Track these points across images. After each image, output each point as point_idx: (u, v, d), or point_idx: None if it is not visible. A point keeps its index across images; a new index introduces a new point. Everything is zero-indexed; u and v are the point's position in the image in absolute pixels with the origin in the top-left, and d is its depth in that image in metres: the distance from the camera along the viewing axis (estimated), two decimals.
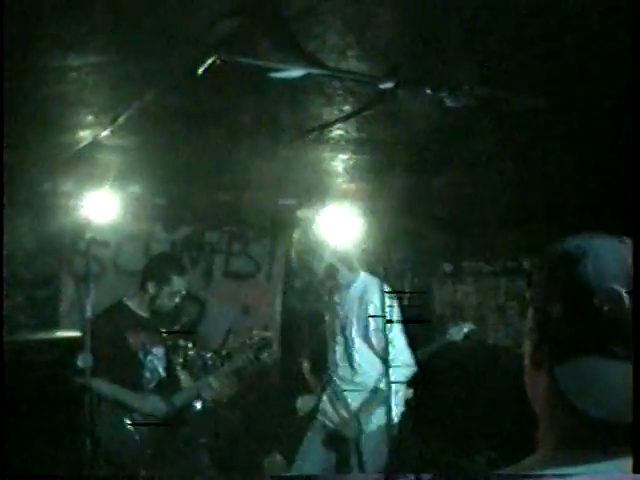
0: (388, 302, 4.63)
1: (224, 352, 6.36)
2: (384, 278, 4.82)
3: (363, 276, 4.95)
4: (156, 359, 4.53)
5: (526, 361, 1.31)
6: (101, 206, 5.53)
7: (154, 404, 4.34)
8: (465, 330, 5.90)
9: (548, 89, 3.23)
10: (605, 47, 2.65)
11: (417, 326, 5.95)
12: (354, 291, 4.90)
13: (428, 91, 3.08)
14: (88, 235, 5.85)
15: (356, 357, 4.82)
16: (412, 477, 2.20)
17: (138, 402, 4.32)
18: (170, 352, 4.64)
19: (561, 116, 3.63)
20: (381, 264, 5.36)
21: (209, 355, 6.13)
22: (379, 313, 4.59)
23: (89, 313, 4.40)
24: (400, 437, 5.21)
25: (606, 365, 1.13)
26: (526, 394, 1.36)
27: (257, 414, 6.52)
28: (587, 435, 1.17)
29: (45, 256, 6.84)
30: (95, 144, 4.33)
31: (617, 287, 1.15)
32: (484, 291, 7.59)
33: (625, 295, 1.13)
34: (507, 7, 2.37)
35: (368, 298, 4.72)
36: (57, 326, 6.68)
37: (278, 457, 6.49)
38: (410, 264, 7.51)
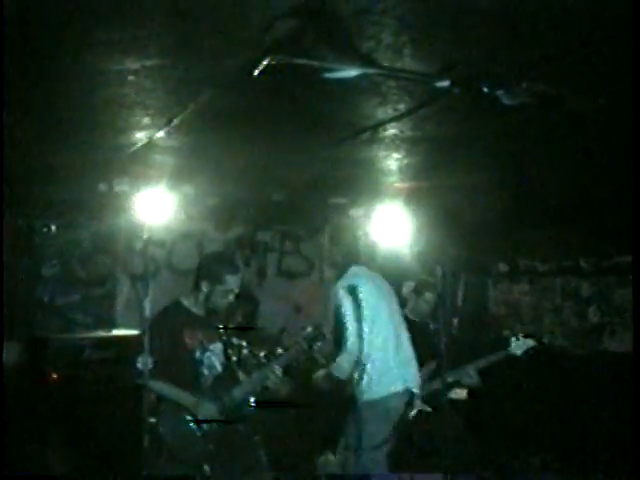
0: None
1: (278, 351, 6.38)
2: (441, 277, 4.84)
3: None
4: (213, 355, 4.57)
5: None
6: (156, 206, 5.60)
7: (207, 410, 4.39)
8: (527, 345, 5.88)
9: (604, 88, 3.17)
10: None
11: (479, 335, 5.94)
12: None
13: (484, 89, 3.05)
14: (144, 235, 5.93)
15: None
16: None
17: (192, 406, 4.37)
18: (227, 348, 4.67)
19: (618, 115, 3.57)
20: (436, 263, 5.33)
21: (262, 354, 6.15)
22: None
23: (147, 312, 4.45)
24: (458, 437, 5.22)
25: None
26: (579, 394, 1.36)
27: (309, 412, 6.51)
28: None
29: (101, 255, 6.95)
30: (150, 145, 4.38)
31: None
32: (540, 291, 7.50)
33: None
34: (564, 5, 2.34)
35: None
36: (113, 324, 6.78)
37: (331, 456, 6.49)
38: (464, 263, 7.44)
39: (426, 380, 5.60)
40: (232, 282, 4.54)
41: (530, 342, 5.89)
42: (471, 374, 5.81)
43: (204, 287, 4.52)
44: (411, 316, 5.95)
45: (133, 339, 5.84)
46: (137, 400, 4.70)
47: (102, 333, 6.23)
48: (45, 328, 6.32)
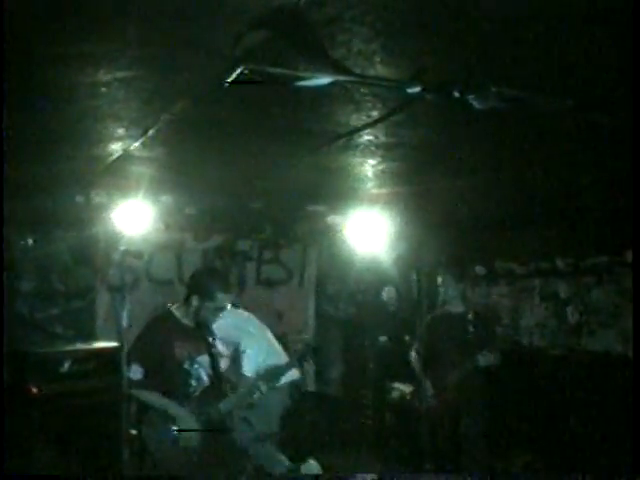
0: None
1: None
2: (417, 282, 4.89)
3: None
4: (201, 367, 4.57)
5: None
6: (133, 217, 5.60)
7: (192, 426, 4.39)
8: (492, 359, 5.96)
9: (576, 90, 3.21)
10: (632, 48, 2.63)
11: (451, 347, 6.04)
12: None
13: (455, 94, 3.08)
14: (122, 246, 5.92)
15: None
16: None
17: (180, 419, 4.38)
18: (214, 360, 4.67)
19: (588, 117, 3.61)
20: (412, 268, 5.38)
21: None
22: None
23: (125, 323, 4.46)
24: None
25: None
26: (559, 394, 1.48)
27: (293, 420, 6.52)
28: None
29: (80, 268, 6.92)
30: (126, 156, 4.38)
31: None
32: (518, 292, 7.56)
33: None
34: (535, 9, 2.37)
35: None
36: (94, 337, 6.76)
37: (313, 462, 6.51)
38: (441, 267, 7.48)
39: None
40: (223, 299, 4.55)
41: (495, 355, 6.00)
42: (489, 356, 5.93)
43: (194, 301, 4.53)
44: (450, 309, 6.08)
45: (113, 351, 5.83)
46: (118, 412, 4.72)
47: (82, 346, 6.20)
48: (25, 342, 6.28)
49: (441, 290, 6.26)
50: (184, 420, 4.36)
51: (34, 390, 5.31)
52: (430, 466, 5.83)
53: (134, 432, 5.12)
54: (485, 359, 5.90)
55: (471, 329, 6.05)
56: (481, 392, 6.11)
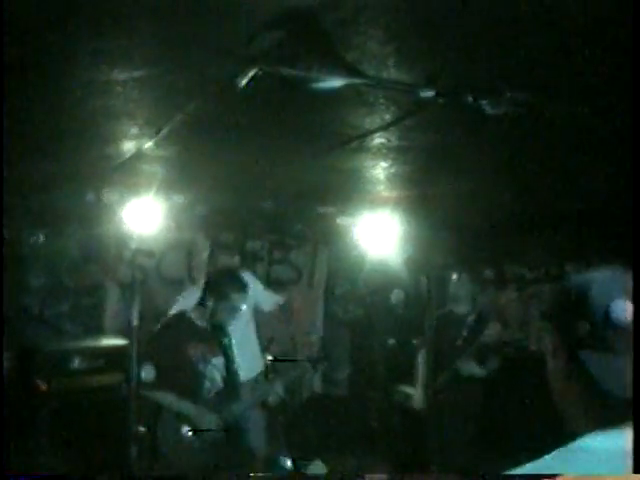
0: None
1: (268, 359, 6.40)
2: (427, 285, 4.90)
3: None
4: (215, 369, 4.59)
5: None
6: (145, 216, 5.62)
7: (209, 421, 4.40)
8: (476, 368, 5.97)
9: (587, 96, 3.21)
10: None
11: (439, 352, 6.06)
12: None
13: (468, 99, 3.08)
14: (132, 244, 5.94)
15: None
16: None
17: (197, 417, 4.39)
18: (229, 362, 4.69)
19: (603, 122, 3.60)
20: (423, 272, 5.38)
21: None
22: None
23: (135, 321, 4.48)
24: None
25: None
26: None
27: (301, 420, 6.54)
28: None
29: (90, 265, 6.94)
30: (139, 155, 4.39)
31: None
32: (527, 297, 7.54)
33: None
34: (549, 14, 2.37)
35: None
36: (103, 334, 6.78)
37: (319, 463, 6.51)
38: (452, 271, 7.47)
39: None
40: (238, 300, 4.58)
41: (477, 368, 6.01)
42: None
43: (210, 302, 4.55)
44: (455, 309, 6.09)
45: (122, 348, 5.84)
46: (127, 410, 4.73)
47: (91, 343, 6.22)
48: (34, 338, 6.31)
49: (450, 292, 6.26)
50: (200, 418, 4.37)
51: (42, 387, 5.34)
52: (436, 467, 5.82)
53: (143, 430, 5.14)
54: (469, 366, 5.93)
55: (470, 332, 6.10)
56: (487, 397, 6.11)
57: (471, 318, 6.22)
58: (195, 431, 4.37)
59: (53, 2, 2.24)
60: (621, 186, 5.21)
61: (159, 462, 4.41)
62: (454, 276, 6.28)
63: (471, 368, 6.01)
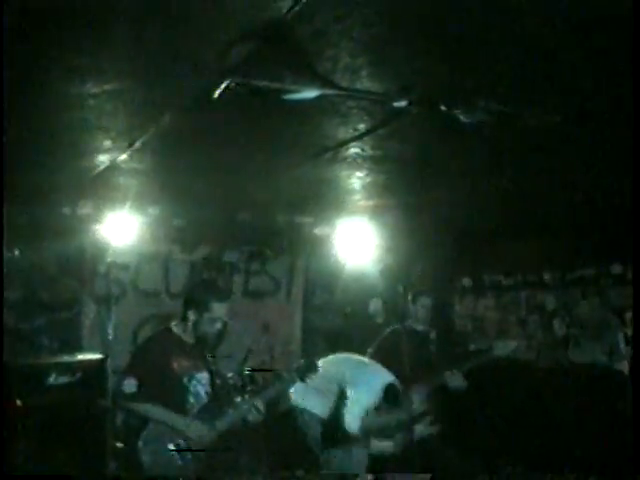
0: None
1: (245, 371, 6.37)
2: (403, 294, 4.91)
3: None
4: (199, 384, 4.55)
5: None
6: (120, 228, 5.59)
7: (200, 431, 4.37)
8: (510, 347, 5.97)
9: (562, 104, 3.24)
10: (615, 62, 2.66)
11: (462, 339, 6.02)
12: None
13: (442, 108, 3.10)
14: (108, 257, 5.91)
15: None
16: None
17: (185, 428, 4.36)
18: (213, 377, 4.65)
19: (575, 131, 3.64)
20: (400, 281, 5.39)
21: (230, 375, 6.14)
22: None
23: (110, 335, 4.45)
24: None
25: None
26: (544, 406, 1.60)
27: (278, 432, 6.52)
28: None
29: (66, 279, 6.89)
30: (113, 168, 4.38)
31: None
32: (504, 304, 7.58)
33: None
34: (519, 24, 2.39)
35: None
36: (80, 348, 6.72)
37: (301, 472, 6.49)
38: (429, 279, 7.50)
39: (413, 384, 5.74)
40: (218, 309, 4.54)
41: (513, 344, 5.99)
42: (457, 376, 5.90)
43: (191, 315, 4.52)
44: (414, 325, 6.04)
45: (98, 362, 5.81)
46: (103, 424, 4.69)
47: (67, 357, 6.17)
48: (10, 353, 6.24)
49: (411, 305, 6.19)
50: (189, 428, 4.35)
51: (18, 403, 5.28)
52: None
53: (120, 445, 5.10)
54: (454, 379, 5.92)
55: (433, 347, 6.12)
56: (466, 405, 6.11)
57: (433, 335, 6.21)
58: (179, 450, 4.33)
59: (25, 16, 2.23)
60: (597, 194, 5.27)
61: (139, 477, 4.36)
62: (410, 296, 6.20)
63: (457, 381, 5.98)
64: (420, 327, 6.11)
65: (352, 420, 5.28)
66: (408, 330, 5.86)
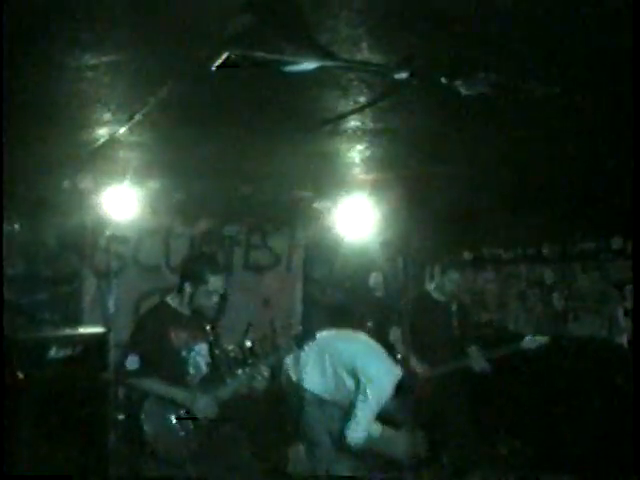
0: None
1: (247, 344, 6.40)
2: (403, 268, 4.93)
3: None
4: (198, 356, 4.57)
5: None
6: (121, 202, 5.59)
7: (204, 403, 4.39)
8: (539, 342, 6.02)
9: (563, 75, 3.22)
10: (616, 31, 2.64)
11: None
12: None
13: (443, 80, 3.09)
14: (108, 231, 5.91)
15: None
16: None
17: (188, 402, 4.38)
18: (212, 348, 4.67)
19: (576, 102, 3.62)
20: (400, 254, 5.39)
21: (231, 348, 6.17)
22: None
23: (111, 309, 4.45)
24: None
25: None
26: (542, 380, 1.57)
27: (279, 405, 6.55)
28: None
29: (67, 253, 6.90)
30: (113, 141, 4.37)
31: None
32: (504, 278, 7.59)
33: None
34: None
35: None
36: (81, 322, 6.74)
37: (301, 447, 6.53)
38: (429, 253, 7.50)
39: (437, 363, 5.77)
40: (215, 282, 4.54)
41: (543, 339, 6.03)
42: (482, 361, 5.95)
43: (187, 288, 4.53)
44: (435, 295, 6.06)
45: (99, 336, 5.83)
46: (105, 397, 4.71)
47: (68, 331, 6.19)
48: (11, 328, 6.26)
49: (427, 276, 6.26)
50: (191, 401, 4.37)
51: (20, 376, 5.31)
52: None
53: (123, 417, 5.12)
54: (477, 361, 5.97)
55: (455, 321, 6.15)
56: (465, 381, 6.15)
57: (454, 307, 6.23)
58: (179, 418, 4.35)
59: None
60: (598, 167, 5.26)
61: (141, 449, 4.39)
62: (438, 268, 6.23)
63: (480, 364, 6.02)
64: (442, 298, 6.14)
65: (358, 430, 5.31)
66: (431, 299, 5.91)
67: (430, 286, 6.27)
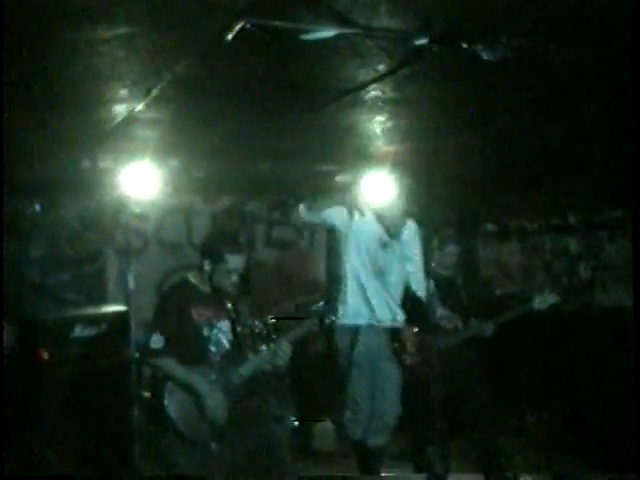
0: None
1: (270, 320, 6.37)
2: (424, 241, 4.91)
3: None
4: (220, 333, 4.55)
5: None
6: (141, 180, 5.56)
7: (215, 400, 4.38)
8: (550, 301, 5.92)
9: (587, 40, 3.13)
10: None
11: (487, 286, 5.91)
12: None
13: (463, 45, 3.01)
14: (129, 210, 5.89)
15: None
16: None
17: (199, 385, 4.36)
18: (235, 326, 4.64)
19: (602, 67, 3.53)
20: (423, 226, 5.33)
21: (256, 324, 6.14)
22: None
23: (132, 286, 4.44)
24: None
25: None
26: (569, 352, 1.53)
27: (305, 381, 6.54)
28: None
29: (89, 233, 6.91)
30: (131, 118, 4.32)
31: None
32: (529, 249, 7.51)
33: None
34: None
35: None
36: (105, 301, 6.77)
37: (329, 424, 6.52)
38: (453, 225, 7.43)
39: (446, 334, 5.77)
40: (234, 262, 4.51)
41: (553, 297, 5.95)
42: (490, 327, 5.90)
43: (206, 266, 4.52)
44: (438, 270, 6.01)
45: (123, 314, 5.84)
46: (128, 376, 4.71)
47: (92, 310, 6.21)
48: (36, 309, 6.30)
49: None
50: (206, 392, 4.36)
51: (45, 355, 5.34)
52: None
53: (148, 395, 5.14)
54: (487, 327, 5.90)
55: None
56: (489, 351, 6.09)
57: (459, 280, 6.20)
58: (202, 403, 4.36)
59: None
60: (621, 134, 5.15)
61: (166, 428, 4.39)
62: (436, 243, 6.15)
63: (487, 331, 5.96)
64: (446, 272, 6.08)
65: None
66: (434, 275, 5.83)
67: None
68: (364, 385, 5.44)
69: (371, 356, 5.44)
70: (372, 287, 5.51)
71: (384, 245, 5.60)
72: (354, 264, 5.53)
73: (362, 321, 5.45)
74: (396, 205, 5.69)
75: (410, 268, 5.70)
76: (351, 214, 5.60)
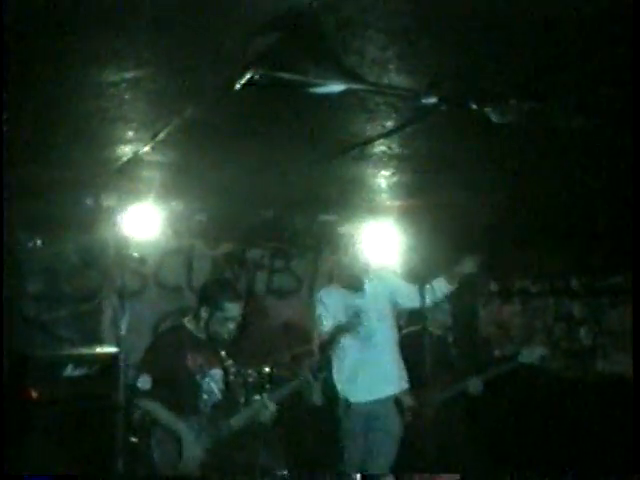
0: None
1: (266, 370, 6.30)
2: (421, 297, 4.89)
3: None
4: (212, 381, 4.49)
5: None
6: (143, 221, 5.54)
7: (201, 441, 4.31)
8: (537, 354, 5.85)
9: (594, 105, 3.13)
10: None
11: (487, 346, 5.84)
12: None
13: (472, 106, 3.00)
14: (130, 251, 5.86)
15: None
16: None
17: (185, 434, 4.29)
18: (227, 375, 4.59)
19: (609, 132, 3.52)
20: (425, 282, 5.28)
21: (249, 373, 6.08)
22: None
23: (124, 330, 4.40)
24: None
25: None
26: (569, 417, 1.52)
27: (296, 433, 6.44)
28: None
29: (88, 271, 6.87)
30: (136, 160, 4.32)
31: None
32: (531, 311, 7.45)
33: None
34: (551, 22, 2.29)
35: None
36: (100, 341, 6.70)
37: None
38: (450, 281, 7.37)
39: (438, 390, 5.64)
40: (232, 310, 4.47)
41: (540, 350, 5.87)
42: (478, 384, 5.80)
43: (203, 312, 4.47)
44: (431, 329, 5.92)
45: (115, 356, 5.76)
46: (116, 418, 4.63)
47: (85, 350, 6.15)
48: (29, 344, 6.23)
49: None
50: (188, 440, 4.28)
51: (35, 393, 5.26)
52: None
53: (135, 440, 5.05)
54: (474, 386, 5.81)
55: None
56: (488, 413, 6.00)
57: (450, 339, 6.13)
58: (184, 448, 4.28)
59: (41, 3, 2.16)
60: (626, 198, 5.14)
61: (150, 472, 4.31)
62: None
63: (475, 387, 5.87)
64: (438, 331, 6.00)
65: None
66: (426, 333, 5.75)
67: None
68: (357, 440, 5.33)
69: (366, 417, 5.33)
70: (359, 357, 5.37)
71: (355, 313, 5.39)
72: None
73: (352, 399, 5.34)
74: (397, 260, 5.67)
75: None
76: None
